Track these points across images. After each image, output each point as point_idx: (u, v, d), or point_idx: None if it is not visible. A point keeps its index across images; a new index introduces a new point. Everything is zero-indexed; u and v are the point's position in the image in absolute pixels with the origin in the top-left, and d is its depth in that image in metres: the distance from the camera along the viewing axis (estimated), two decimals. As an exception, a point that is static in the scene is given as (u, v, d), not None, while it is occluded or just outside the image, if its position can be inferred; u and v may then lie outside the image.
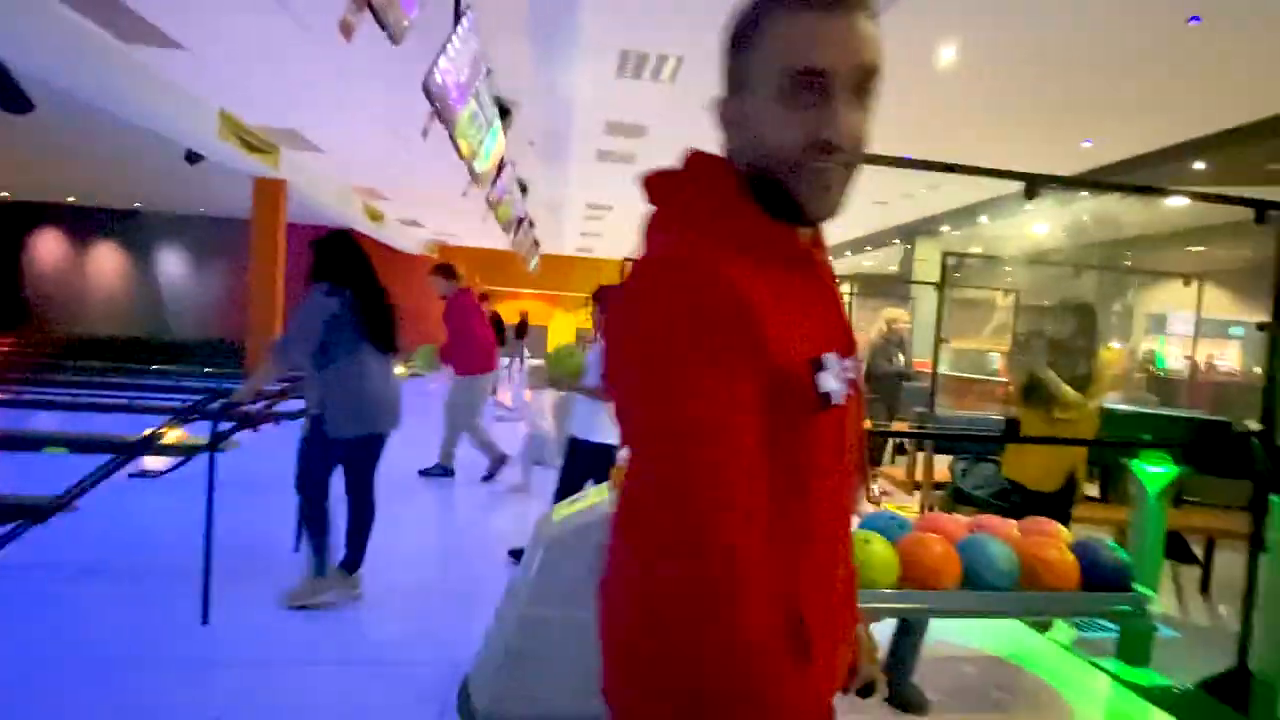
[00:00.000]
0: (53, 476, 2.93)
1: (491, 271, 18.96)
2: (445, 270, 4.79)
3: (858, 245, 12.70)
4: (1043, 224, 9.54)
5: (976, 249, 10.64)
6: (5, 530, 2.53)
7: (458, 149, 5.28)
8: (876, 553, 1.89)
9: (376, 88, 6.11)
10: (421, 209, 12.50)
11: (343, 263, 2.70)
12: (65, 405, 7.34)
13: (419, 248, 16.73)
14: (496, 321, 11.56)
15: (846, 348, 0.68)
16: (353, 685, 2.21)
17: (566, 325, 18.00)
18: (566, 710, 1.93)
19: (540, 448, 4.77)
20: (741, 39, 0.66)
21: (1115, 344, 10.01)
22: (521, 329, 14.27)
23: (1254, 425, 2.35)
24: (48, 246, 15.35)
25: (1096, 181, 2.28)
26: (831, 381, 0.64)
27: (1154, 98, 5.24)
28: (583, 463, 3.30)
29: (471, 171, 5.96)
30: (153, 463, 4.38)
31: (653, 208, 0.70)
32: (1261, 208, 2.38)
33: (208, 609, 2.51)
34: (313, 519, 2.72)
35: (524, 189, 9.60)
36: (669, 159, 0.70)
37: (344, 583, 2.79)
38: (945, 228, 10.31)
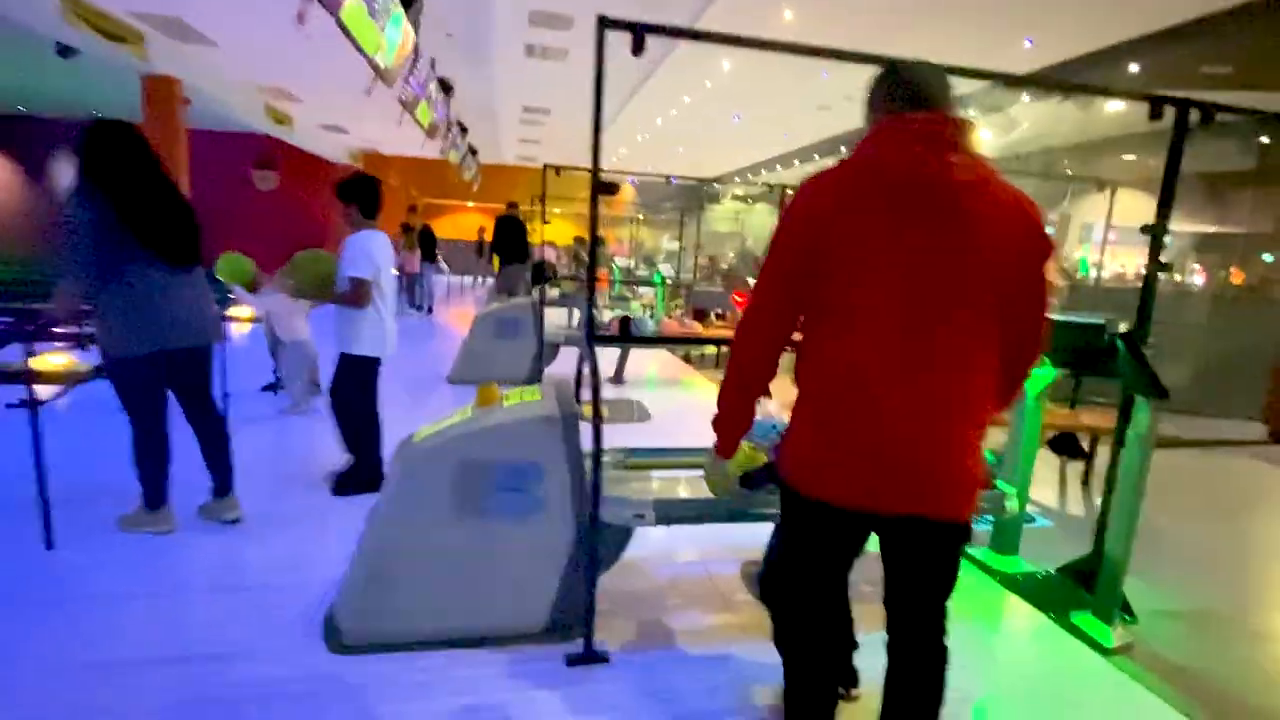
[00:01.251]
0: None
1: (427, 183, 17.91)
2: (269, 162, 4.21)
3: (805, 154, 12.41)
4: (986, 130, 9.42)
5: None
6: None
7: (353, 40, 4.77)
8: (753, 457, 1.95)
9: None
10: (340, 113, 11.52)
11: (107, 160, 2.22)
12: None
13: (346, 156, 15.63)
14: (427, 236, 10.90)
15: None
16: (214, 612, 2.11)
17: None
18: (428, 628, 1.95)
19: (301, 361, 4.25)
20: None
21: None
22: (482, 247, 13.73)
23: (1124, 327, 2.39)
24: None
25: (1034, 80, 2.21)
26: None
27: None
28: (350, 379, 2.98)
29: (374, 66, 5.43)
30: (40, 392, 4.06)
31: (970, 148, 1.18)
32: (1157, 103, 2.31)
33: (50, 537, 2.39)
34: (143, 449, 2.46)
35: (447, 89, 8.88)
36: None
37: (220, 507, 2.68)
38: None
